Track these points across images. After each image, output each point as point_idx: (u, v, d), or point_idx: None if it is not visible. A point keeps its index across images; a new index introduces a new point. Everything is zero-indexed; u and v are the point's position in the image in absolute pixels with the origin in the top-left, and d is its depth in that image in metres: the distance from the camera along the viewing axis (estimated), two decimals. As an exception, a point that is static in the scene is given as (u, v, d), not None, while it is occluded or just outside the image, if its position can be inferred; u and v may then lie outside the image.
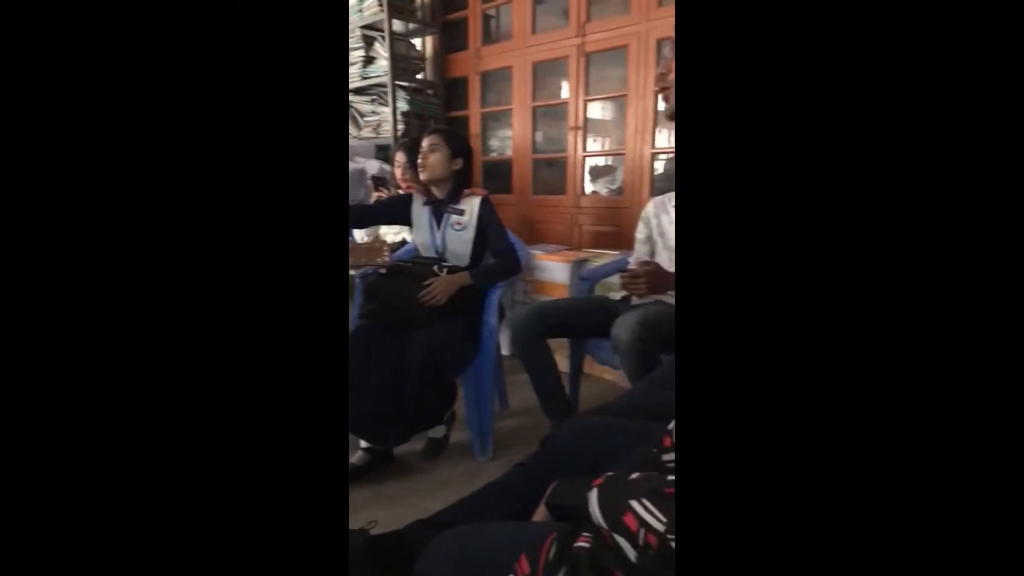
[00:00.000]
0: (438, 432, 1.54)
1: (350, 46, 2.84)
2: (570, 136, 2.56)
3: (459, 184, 1.58)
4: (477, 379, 1.50)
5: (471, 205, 1.55)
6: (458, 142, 1.56)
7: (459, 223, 1.54)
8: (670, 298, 1.42)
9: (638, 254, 1.63)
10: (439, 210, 1.57)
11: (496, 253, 1.56)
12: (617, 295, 1.60)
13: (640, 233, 1.64)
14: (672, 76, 0.89)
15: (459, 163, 1.55)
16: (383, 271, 1.47)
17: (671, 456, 0.57)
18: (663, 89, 0.92)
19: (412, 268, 1.53)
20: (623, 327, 1.25)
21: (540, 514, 0.61)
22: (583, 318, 1.50)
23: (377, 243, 1.43)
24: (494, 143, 3.05)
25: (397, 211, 1.64)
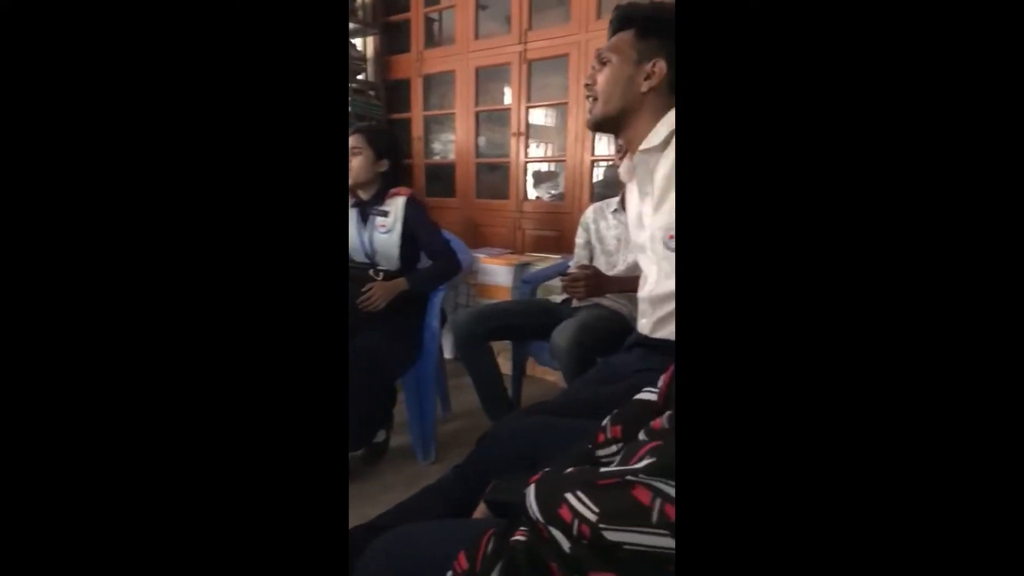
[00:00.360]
0: (378, 436, 1.52)
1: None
2: (513, 141, 2.59)
3: (386, 186, 1.50)
4: (419, 382, 1.49)
5: (395, 206, 1.48)
6: (383, 142, 1.49)
7: (383, 225, 1.48)
8: (609, 301, 1.47)
9: (578, 258, 1.68)
10: (364, 212, 1.50)
11: (432, 256, 1.52)
12: (558, 298, 1.63)
13: (580, 238, 1.69)
14: (597, 86, 0.93)
15: (384, 164, 1.48)
16: None
17: (606, 451, 0.60)
18: (589, 97, 0.96)
19: (349, 273, 1.50)
20: (561, 334, 1.28)
21: (480, 511, 0.62)
22: (525, 320, 1.52)
23: None
24: (437, 146, 3.04)
25: None
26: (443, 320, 1.60)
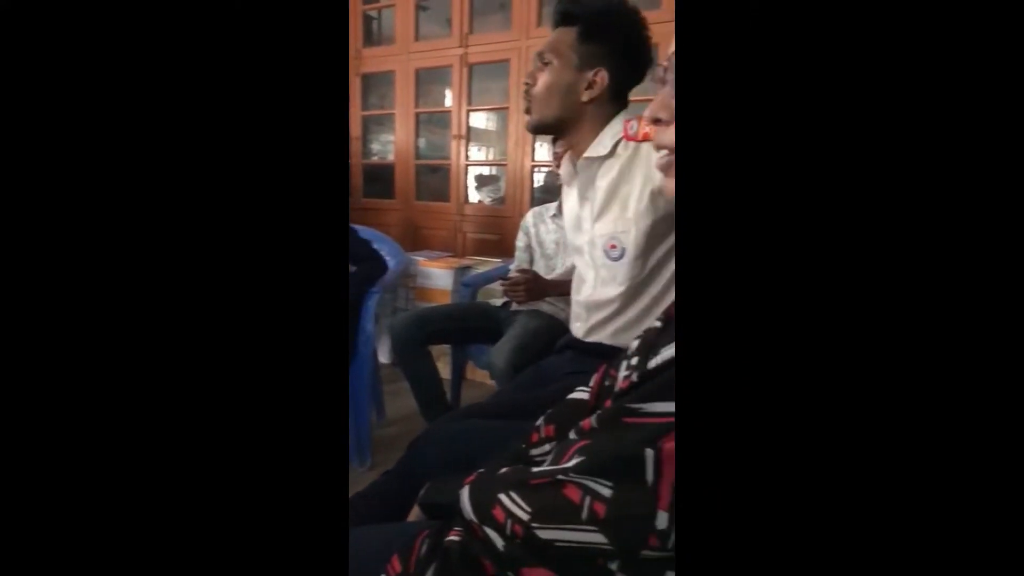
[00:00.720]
0: None
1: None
2: (453, 144, 2.58)
3: None
4: (352, 387, 1.45)
5: None
6: None
7: None
8: (548, 305, 1.49)
9: (519, 261, 1.69)
10: None
11: (355, 260, 1.49)
12: (498, 301, 1.64)
13: (520, 242, 1.70)
14: (536, 89, 0.93)
15: None
16: None
17: (539, 450, 0.60)
18: (526, 95, 0.96)
19: None
20: (498, 353, 1.28)
21: (414, 515, 0.61)
22: (464, 324, 1.52)
23: None
24: (375, 147, 2.98)
25: None
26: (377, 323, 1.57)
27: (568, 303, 1.43)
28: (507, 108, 2.42)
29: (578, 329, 1.00)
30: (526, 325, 1.38)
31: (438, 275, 2.19)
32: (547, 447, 0.60)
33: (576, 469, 0.42)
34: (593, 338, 0.97)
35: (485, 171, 2.70)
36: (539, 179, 2.45)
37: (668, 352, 0.43)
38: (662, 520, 0.38)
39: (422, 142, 2.75)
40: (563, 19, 0.94)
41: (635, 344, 0.54)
